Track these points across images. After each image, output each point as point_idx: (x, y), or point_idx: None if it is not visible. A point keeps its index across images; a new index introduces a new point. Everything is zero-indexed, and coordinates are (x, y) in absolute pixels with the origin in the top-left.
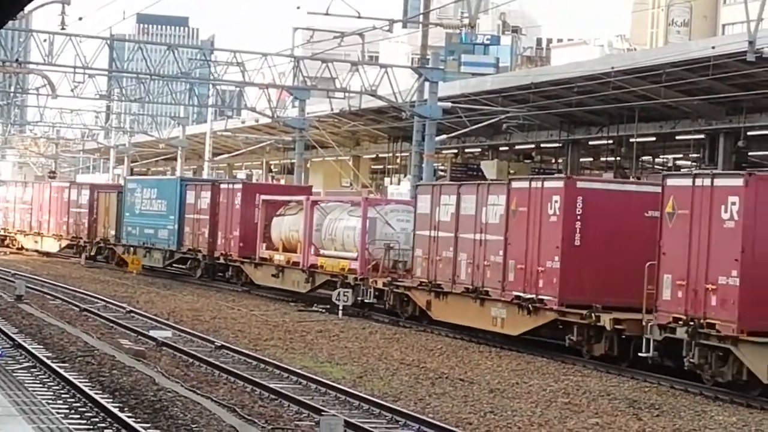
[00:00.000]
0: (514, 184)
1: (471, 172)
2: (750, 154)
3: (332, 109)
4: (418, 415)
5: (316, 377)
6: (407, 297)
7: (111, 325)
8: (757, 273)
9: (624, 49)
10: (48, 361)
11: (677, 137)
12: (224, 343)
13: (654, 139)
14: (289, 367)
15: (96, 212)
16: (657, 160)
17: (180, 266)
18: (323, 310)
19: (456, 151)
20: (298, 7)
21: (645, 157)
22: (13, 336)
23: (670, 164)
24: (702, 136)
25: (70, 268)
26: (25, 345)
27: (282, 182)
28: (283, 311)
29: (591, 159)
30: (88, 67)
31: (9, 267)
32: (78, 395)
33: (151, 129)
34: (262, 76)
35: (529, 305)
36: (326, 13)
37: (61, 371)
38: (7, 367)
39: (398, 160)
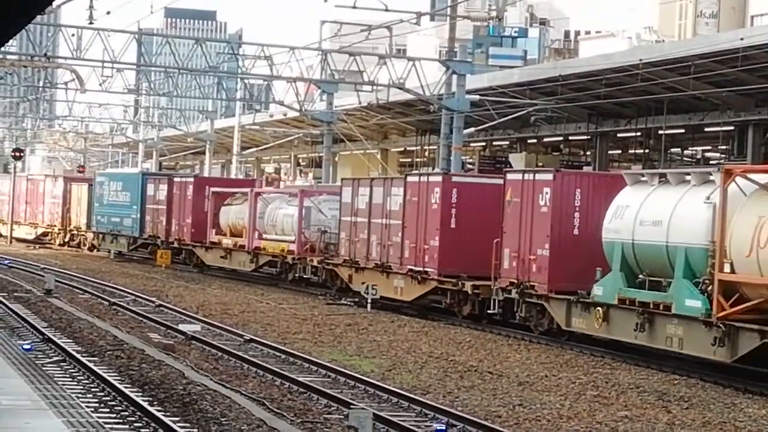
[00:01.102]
0: (409, 179)
1: (499, 165)
2: None
3: (360, 103)
4: (447, 408)
5: (345, 370)
6: (335, 272)
7: (140, 319)
8: (560, 247)
9: (652, 41)
10: (77, 355)
11: (706, 129)
12: (253, 337)
13: (683, 131)
14: (317, 361)
15: (69, 203)
16: (686, 152)
17: (143, 250)
18: (352, 304)
19: (484, 143)
20: (326, 0)
21: (674, 149)
22: (43, 330)
23: (699, 156)
24: (731, 127)
25: (99, 262)
26: (55, 339)
27: (310, 176)
28: (312, 305)
29: (620, 151)
30: (116, 61)
31: (39, 261)
32: (107, 389)
33: (180, 123)
34: (289, 70)
35: (419, 276)
36: (354, 6)
37: (91, 365)
38: (36, 361)
39: (426, 153)
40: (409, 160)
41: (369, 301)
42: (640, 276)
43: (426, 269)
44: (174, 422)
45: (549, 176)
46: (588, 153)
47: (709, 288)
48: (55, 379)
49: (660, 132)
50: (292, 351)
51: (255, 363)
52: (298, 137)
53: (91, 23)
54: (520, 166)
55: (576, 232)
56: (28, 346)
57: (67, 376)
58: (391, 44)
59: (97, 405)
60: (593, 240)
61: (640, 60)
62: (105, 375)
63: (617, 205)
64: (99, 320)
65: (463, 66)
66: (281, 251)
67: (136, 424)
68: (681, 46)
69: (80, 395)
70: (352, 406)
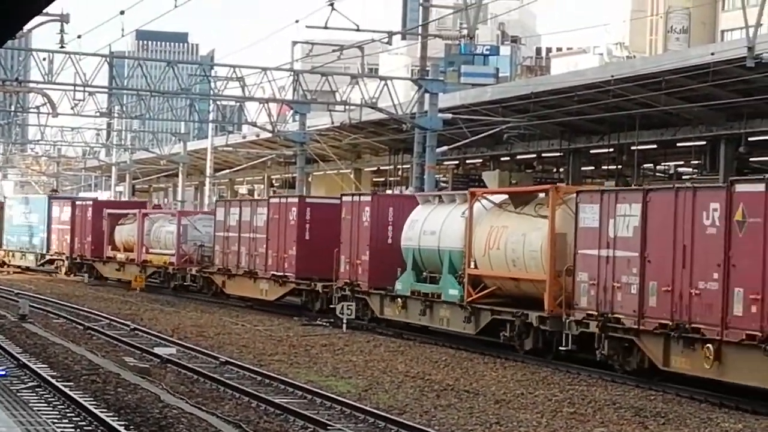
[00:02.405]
0: (272, 201)
1: (472, 183)
2: (751, 159)
3: (333, 123)
4: (424, 428)
5: (321, 391)
6: (211, 279)
7: (115, 342)
8: (377, 253)
9: (623, 57)
10: (53, 380)
11: (678, 144)
12: (229, 359)
13: (655, 146)
14: (294, 382)
15: None
16: (659, 167)
17: (49, 266)
18: (327, 324)
19: (457, 162)
20: (297, 21)
21: (647, 165)
22: (18, 355)
23: (671, 171)
24: (703, 142)
25: (74, 286)
26: (30, 364)
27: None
28: (287, 326)
29: (593, 167)
30: (88, 84)
31: (12, 286)
32: (83, 414)
33: (152, 146)
34: (262, 91)
35: (280, 279)
36: (325, 26)
37: (66, 390)
38: (11, 387)
39: (400, 173)
40: (383, 179)
41: (344, 321)
42: (424, 273)
43: (286, 274)
44: None
45: (369, 198)
46: (561, 170)
47: (463, 280)
48: (30, 404)
49: (632, 148)
50: (268, 372)
51: (231, 385)
52: (271, 158)
53: (62, 47)
54: (494, 184)
55: (390, 241)
56: (2, 372)
57: (43, 401)
58: (363, 64)
59: (72, 430)
60: (400, 247)
61: (612, 76)
62: (80, 400)
63: (411, 220)
64: (74, 345)
65: (435, 84)
66: (164, 263)
67: None
68: (652, 62)
69: (56, 420)
70: (329, 427)
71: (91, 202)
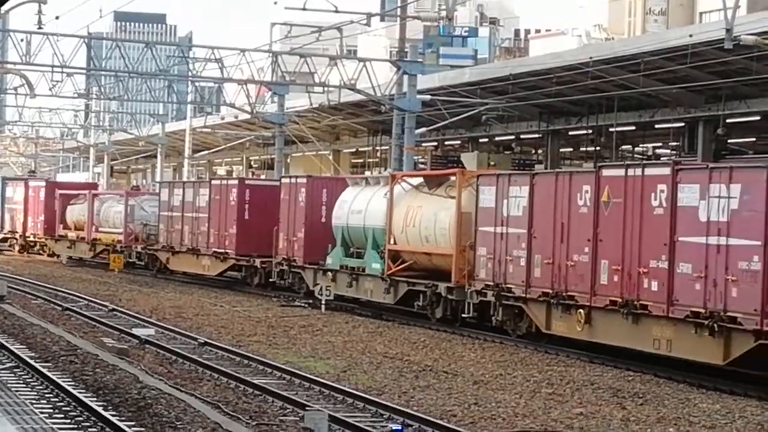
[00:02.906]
0: (213, 182)
1: (451, 165)
2: (730, 141)
3: (311, 104)
4: (403, 409)
5: (300, 372)
6: (156, 256)
7: (94, 323)
8: (312, 231)
9: (602, 39)
10: (31, 361)
11: (657, 126)
12: (207, 340)
13: (633, 128)
14: (272, 363)
15: None
16: (637, 149)
17: (2, 244)
18: (306, 305)
19: (436, 143)
20: (276, 3)
21: (625, 146)
22: None
23: (649, 153)
24: (681, 124)
25: (52, 267)
26: (8, 345)
27: (263, 177)
28: (266, 307)
29: (571, 149)
30: (65, 65)
31: None
32: (62, 395)
33: (131, 127)
34: (240, 72)
35: (221, 256)
36: (303, 8)
37: (45, 371)
38: None
39: (378, 154)
40: (361, 160)
41: (323, 302)
42: (351, 249)
43: (227, 250)
44: (128, 427)
45: (304, 180)
46: (540, 151)
47: (384, 255)
48: (8, 385)
49: (611, 129)
50: (246, 353)
51: (210, 366)
52: (250, 139)
53: (40, 28)
54: (472, 165)
55: (323, 220)
56: None
57: (21, 382)
58: (341, 45)
59: (51, 411)
60: (331, 225)
61: (591, 58)
62: (59, 380)
63: (341, 200)
64: (52, 325)
65: (413, 66)
66: (112, 241)
67: (90, 429)
68: (631, 44)
69: (34, 401)
70: (307, 408)
71: (44, 183)
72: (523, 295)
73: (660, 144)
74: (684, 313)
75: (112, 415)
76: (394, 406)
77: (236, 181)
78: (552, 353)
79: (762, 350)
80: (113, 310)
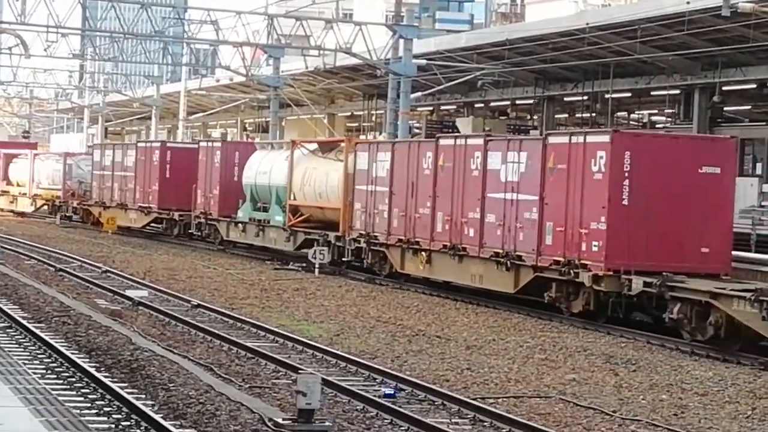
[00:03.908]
0: (139, 145)
1: (446, 129)
2: (725, 109)
3: (307, 67)
4: (396, 373)
5: (293, 335)
6: (89, 211)
7: (87, 285)
8: (225, 188)
9: (599, 5)
10: (24, 322)
11: (652, 93)
12: (200, 303)
13: (629, 94)
14: (265, 326)
15: None
16: (632, 115)
17: None
18: (300, 269)
19: (431, 108)
20: None
21: (620, 113)
22: None
23: (645, 120)
24: (677, 91)
25: (46, 228)
26: (1, 306)
27: (257, 140)
28: (259, 270)
29: (566, 115)
30: (61, 26)
31: None
32: (54, 355)
33: (125, 88)
34: (236, 35)
35: (145, 210)
36: None
37: (38, 332)
38: None
39: (373, 118)
40: (356, 124)
41: (317, 266)
42: (259, 204)
43: (150, 205)
44: (121, 388)
45: (219, 144)
46: (535, 117)
47: (286, 209)
48: (1, 346)
49: (606, 96)
50: (239, 316)
51: (202, 328)
52: (245, 102)
53: None
54: (467, 130)
55: (235, 179)
56: None
57: (14, 342)
58: (337, 9)
59: (44, 371)
60: (242, 184)
61: (587, 24)
62: (52, 341)
63: (251, 162)
64: (45, 286)
65: (409, 30)
66: (52, 197)
67: (83, 390)
68: (627, 10)
69: (27, 362)
70: (300, 371)
71: None
72: (386, 242)
73: (656, 111)
74: (490, 253)
75: (105, 377)
76: (387, 370)
77: (159, 144)
78: (545, 319)
79: (538, 280)
80: (106, 271)
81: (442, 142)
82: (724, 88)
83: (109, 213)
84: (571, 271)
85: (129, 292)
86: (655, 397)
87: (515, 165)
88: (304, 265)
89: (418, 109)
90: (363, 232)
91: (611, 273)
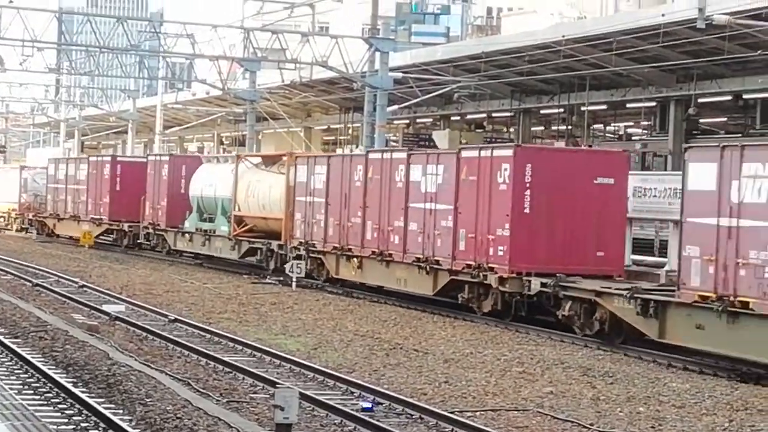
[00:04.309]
0: (91, 159)
1: (423, 143)
2: (701, 121)
3: (283, 81)
4: (373, 386)
5: (271, 350)
6: (44, 222)
7: (64, 300)
8: (173, 200)
9: (574, 18)
10: (0, 337)
11: (628, 105)
12: (178, 317)
13: (605, 107)
14: (243, 340)
15: None
16: (608, 128)
17: None
18: (277, 282)
19: (408, 121)
20: None
21: (596, 126)
22: None
23: (621, 132)
24: (653, 103)
25: (22, 243)
26: None
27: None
28: (237, 284)
29: (542, 128)
30: (36, 40)
31: None
32: (31, 371)
33: (102, 102)
34: (212, 48)
35: (97, 221)
36: None
37: (14, 347)
38: None
39: (350, 131)
40: (333, 138)
41: (294, 279)
42: (205, 215)
43: (101, 217)
44: (98, 403)
45: (167, 158)
46: (511, 130)
47: (231, 220)
48: None
49: (583, 108)
50: (217, 330)
51: (180, 343)
52: (221, 116)
53: (11, 2)
54: (444, 143)
55: (182, 191)
56: None
57: None
58: (313, 22)
59: (21, 387)
60: (189, 196)
61: (563, 36)
62: (28, 357)
63: (196, 175)
64: (22, 301)
65: (385, 43)
66: (9, 210)
67: (60, 406)
68: (603, 23)
69: (3, 377)
70: (277, 385)
71: None
72: (322, 249)
73: (632, 123)
74: (412, 258)
75: (82, 392)
76: (365, 383)
77: (109, 158)
78: (522, 332)
79: (454, 283)
80: (83, 286)
81: (371, 156)
82: (700, 100)
83: (63, 225)
84: (481, 274)
85: (106, 307)
86: (633, 409)
87: (434, 177)
88: (282, 278)
89: (395, 122)
90: (303, 241)
91: (514, 275)
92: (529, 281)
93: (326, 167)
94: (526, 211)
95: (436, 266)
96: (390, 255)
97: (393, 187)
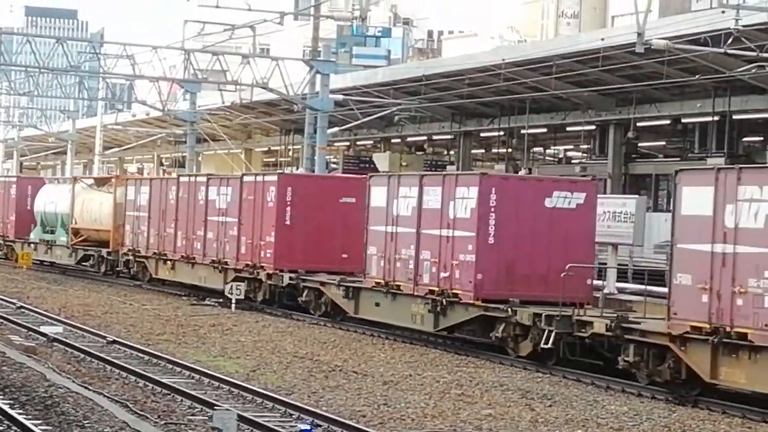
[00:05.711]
0: (22, 179)
1: (363, 165)
2: (640, 144)
3: (223, 102)
4: (312, 409)
5: (209, 371)
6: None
7: (1, 321)
8: (20, 215)
9: (515, 41)
10: None
11: (568, 128)
12: (116, 338)
13: (545, 130)
14: (181, 362)
15: None
16: (548, 151)
17: None
18: (216, 304)
19: (348, 143)
20: (188, 0)
21: (536, 149)
22: None
23: (561, 155)
24: (593, 127)
25: None
26: None
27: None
28: (176, 305)
29: (483, 150)
30: None
31: None
32: None
33: (41, 123)
34: (152, 69)
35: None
36: (217, 5)
37: None
38: None
39: (290, 153)
40: (273, 159)
41: (233, 301)
42: (47, 228)
43: (7, 235)
44: (35, 425)
45: (14, 179)
46: (452, 152)
47: (69, 232)
48: None
49: (523, 131)
50: (155, 352)
51: (118, 365)
52: (161, 137)
53: None
54: (384, 165)
55: (29, 207)
56: None
57: None
58: (254, 44)
59: None
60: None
61: (503, 60)
62: None
63: (40, 193)
64: None
65: (326, 65)
66: None
67: None
68: (543, 46)
69: None
70: (216, 407)
71: None
72: (146, 254)
73: (572, 146)
74: (210, 260)
75: (19, 413)
76: (304, 406)
77: (14, 179)
78: (462, 354)
79: (237, 279)
80: (21, 307)
81: (181, 179)
82: (639, 124)
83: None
84: (255, 271)
85: (44, 328)
86: None
87: (225, 196)
88: (221, 300)
89: (335, 144)
90: (131, 248)
91: (277, 272)
92: (283, 276)
93: (149, 188)
94: (287, 223)
95: (226, 266)
96: (194, 258)
97: (197, 204)
